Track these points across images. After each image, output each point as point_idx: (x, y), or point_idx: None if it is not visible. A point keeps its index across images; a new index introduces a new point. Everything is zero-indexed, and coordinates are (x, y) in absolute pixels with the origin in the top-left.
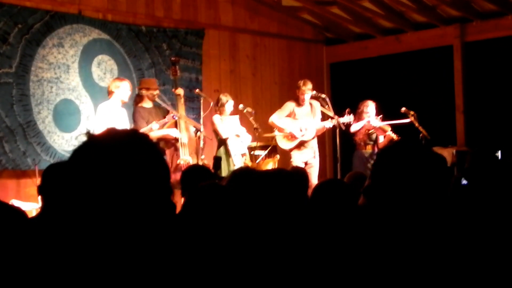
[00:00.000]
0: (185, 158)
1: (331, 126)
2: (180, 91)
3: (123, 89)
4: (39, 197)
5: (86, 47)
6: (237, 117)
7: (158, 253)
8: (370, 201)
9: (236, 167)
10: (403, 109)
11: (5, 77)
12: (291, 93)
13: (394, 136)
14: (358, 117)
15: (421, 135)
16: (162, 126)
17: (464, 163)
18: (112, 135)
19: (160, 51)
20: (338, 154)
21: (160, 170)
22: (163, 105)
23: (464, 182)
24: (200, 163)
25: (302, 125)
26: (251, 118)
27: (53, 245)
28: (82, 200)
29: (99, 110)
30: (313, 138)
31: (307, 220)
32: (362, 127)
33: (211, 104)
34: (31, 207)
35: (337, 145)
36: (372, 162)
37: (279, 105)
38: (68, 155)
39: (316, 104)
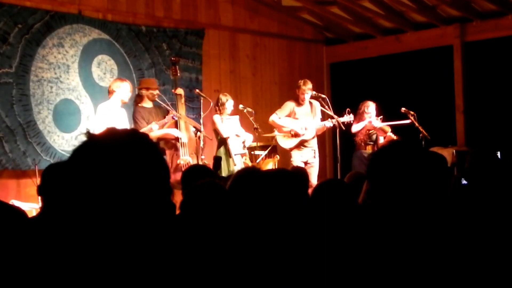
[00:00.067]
0: (185, 158)
1: (331, 125)
2: (180, 91)
3: (124, 90)
4: (39, 197)
5: (86, 47)
6: (237, 117)
7: (157, 252)
8: (374, 202)
9: (236, 167)
10: (403, 109)
11: (5, 77)
12: (291, 93)
13: (395, 137)
14: (358, 117)
15: (421, 135)
16: (162, 127)
17: (464, 163)
18: (112, 135)
19: (160, 51)
20: (338, 154)
21: (160, 170)
22: (163, 105)
23: (464, 182)
24: (200, 163)
25: (302, 124)
26: (251, 118)
27: (53, 245)
28: (82, 200)
29: (99, 110)
30: (313, 137)
31: (308, 220)
32: (363, 128)
33: (211, 104)
34: (31, 207)
35: (337, 145)
36: None
37: (279, 105)
38: (68, 155)
39: (316, 103)
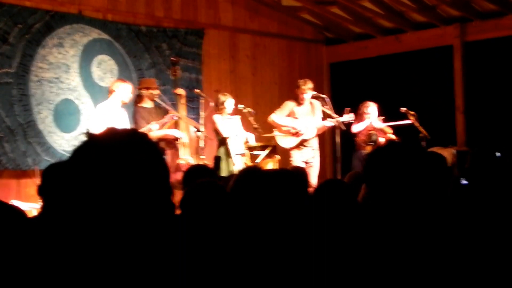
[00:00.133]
0: (186, 158)
1: (331, 125)
2: (181, 91)
3: (124, 90)
4: (39, 197)
5: (86, 47)
6: (238, 117)
7: (158, 252)
8: (371, 203)
9: (236, 167)
10: (403, 109)
11: (5, 77)
12: (291, 93)
13: (395, 139)
14: (359, 118)
15: (421, 135)
16: (161, 126)
17: (464, 163)
18: (112, 134)
19: (160, 51)
20: (338, 154)
21: (160, 170)
22: (163, 105)
23: (464, 182)
24: (200, 163)
25: (302, 124)
26: (251, 118)
27: (53, 245)
28: (82, 200)
29: (98, 110)
30: (314, 137)
31: (308, 219)
32: (364, 128)
33: (211, 104)
34: (31, 207)
35: (337, 145)
36: None
37: (279, 105)
38: (68, 155)
39: (317, 103)
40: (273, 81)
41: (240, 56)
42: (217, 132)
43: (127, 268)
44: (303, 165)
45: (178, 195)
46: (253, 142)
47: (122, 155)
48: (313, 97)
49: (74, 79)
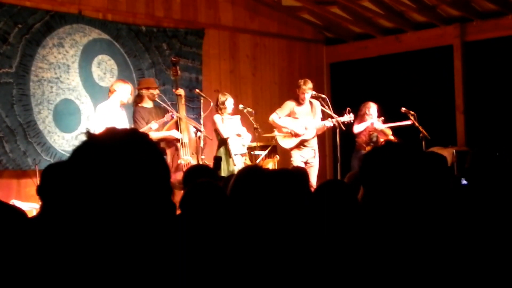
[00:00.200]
0: (186, 158)
1: (331, 125)
2: (181, 91)
3: (124, 91)
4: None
5: (86, 47)
6: (238, 117)
7: (158, 252)
8: (368, 203)
9: (236, 167)
10: (403, 109)
11: (5, 77)
12: (291, 93)
13: (394, 140)
14: (360, 119)
15: (421, 135)
16: (161, 125)
17: (464, 163)
18: (112, 134)
19: (160, 51)
20: (338, 154)
21: (160, 169)
22: (163, 105)
23: (464, 182)
24: (200, 163)
25: (302, 124)
26: (251, 118)
27: (53, 245)
28: (81, 200)
29: (98, 110)
30: (313, 137)
31: (309, 220)
32: (364, 129)
33: (211, 104)
34: (32, 207)
35: (337, 145)
36: None
37: (279, 105)
38: (68, 155)
39: (316, 103)
40: (273, 81)
41: (240, 56)
42: (217, 132)
43: (127, 268)
44: (303, 165)
45: (178, 195)
46: (247, 142)
47: (122, 155)
48: (313, 97)
49: (74, 79)
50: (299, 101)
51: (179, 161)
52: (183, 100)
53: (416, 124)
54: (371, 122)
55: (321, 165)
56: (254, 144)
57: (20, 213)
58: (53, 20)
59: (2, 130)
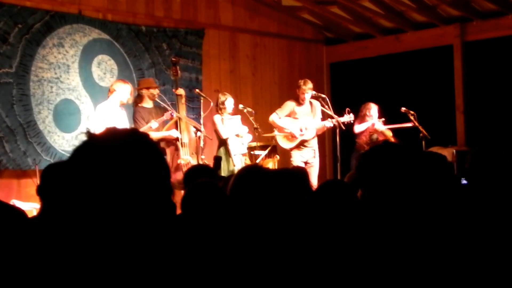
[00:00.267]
0: (186, 158)
1: (331, 126)
2: (181, 91)
3: (123, 90)
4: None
5: (86, 47)
6: (238, 117)
7: (158, 252)
8: (366, 203)
9: (236, 167)
10: (403, 109)
11: (5, 77)
12: (291, 93)
13: (393, 141)
14: (360, 119)
15: (421, 135)
16: (161, 124)
17: (464, 163)
18: (112, 134)
19: (160, 51)
20: (338, 154)
21: (160, 169)
22: (163, 105)
23: (464, 182)
24: (200, 162)
25: (302, 124)
26: (251, 118)
27: (53, 245)
28: (82, 200)
29: (98, 110)
30: (313, 137)
31: (309, 220)
32: (365, 129)
33: (211, 104)
34: (32, 207)
35: (337, 145)
36: None
37: (279, 105)
38: (68, 155)
39: (316, 103)
40: (273, 81)
41: (240, 56)
42: (217, 133)
43: (127, 268)
44: (303, 165)
45: (178, 195)
46: (247, 141)
47: (122, 155)
48: (313, 97)
49: (74, 79)
50: (299, 101)
51: (178, 161)
52: (183, 100)
53: (416, 124)
54: (372, 122)
55: (321, 165)
56: (254, 144)
57: (20, 213)
58: (53, 20)
59: (2, 130)
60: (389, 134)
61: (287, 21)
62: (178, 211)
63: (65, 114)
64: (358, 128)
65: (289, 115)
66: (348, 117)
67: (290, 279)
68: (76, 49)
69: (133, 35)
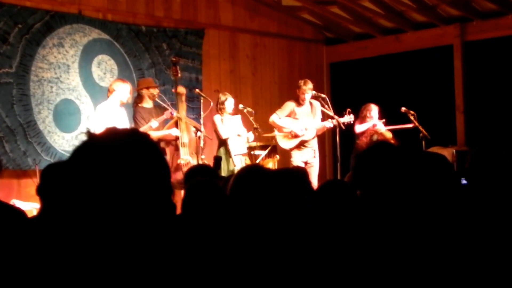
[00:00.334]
0: (186, 157)
1: (331, 126)
2: (182, 89)
3: (123, 90)
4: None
5: (86, 47)
6: (239, 116)
7: (158, 252)
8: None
9: (236, 167)
10: (403, 109)
11: (5, 77)
12: (291, 93)
13: (393, 142)
14: (361, 120)
15: (421, 135)
16: (161, 123)
17: (464, 163)
18: (112, 134)
19: (160, 51)
20: (338, 154)
21: (160, 169)
22: (163, 104)
23: (464, 182)
24: (200, 162)
25: (302, 124)
26: (251, 118)
27: (53, 245)
28: (81, 200)
29: (98, 110)
30: (313, 137)
31: (309, 220)
32: (366, 130)
33: (211, 104)
34: (32, 207)
35: (337, 145)
36: None
37: (279, 105)
38: (68, 155)
39: (317, 104)
40: (273, 81)
41: (240, 56)
42: (217, 133)
43: (127, 267)
44: (303, 165)
45: (178, 195)
46: (251, 139)
47: (122, 155)
48: (313, 97)
49: (74, 79)
50: (299, 102)
51: (178, 161)
52: (183, 98)
53: (416, 124)
54: (374, 123)
55: (321, 165)
56: (254, 144)
57: (20, 213)
58: (53, 20)
59: (2, 130)
60: (389, 135)
61: (287, 21)
62: (178, 211)
63: (65, 114)
64: (359, 128)
65: (289, 116)
66: (348, 118)
67: (290, 279)
68: (76, 49)
69: (133, 35)
